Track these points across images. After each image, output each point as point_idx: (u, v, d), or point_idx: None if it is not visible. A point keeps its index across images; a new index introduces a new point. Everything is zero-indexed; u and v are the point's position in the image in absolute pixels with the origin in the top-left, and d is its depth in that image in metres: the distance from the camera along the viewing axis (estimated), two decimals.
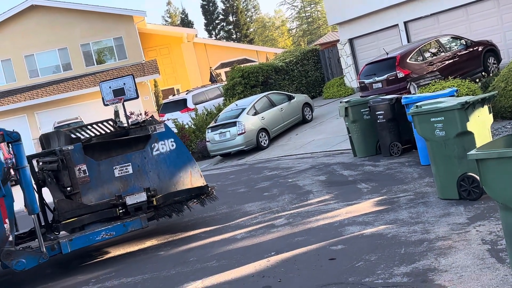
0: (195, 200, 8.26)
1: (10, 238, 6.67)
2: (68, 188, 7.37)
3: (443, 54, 14.91)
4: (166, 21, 61.74)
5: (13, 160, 6.78)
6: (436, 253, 5.23)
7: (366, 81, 14.95)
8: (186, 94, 23.61)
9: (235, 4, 58.19)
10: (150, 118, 8.35)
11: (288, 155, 14.53)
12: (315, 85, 24.42)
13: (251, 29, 64.47)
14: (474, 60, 15.24)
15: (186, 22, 59.80)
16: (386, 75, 14.30)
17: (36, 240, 7.04)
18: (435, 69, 14.16)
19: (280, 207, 8.45)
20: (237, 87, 21.26)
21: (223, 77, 30.81)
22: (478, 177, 6.66)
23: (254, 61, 28.83)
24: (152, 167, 7.90)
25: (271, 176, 11.56)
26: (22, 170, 6.70)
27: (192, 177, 8.15)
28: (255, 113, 16.76)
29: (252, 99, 17.63)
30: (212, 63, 33.11)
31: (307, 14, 67.46)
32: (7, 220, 6.60)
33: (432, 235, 5.77)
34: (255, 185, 10.89)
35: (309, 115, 19.05)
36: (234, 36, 58.10)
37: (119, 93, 16.57)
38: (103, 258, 7.79)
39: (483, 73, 15.22)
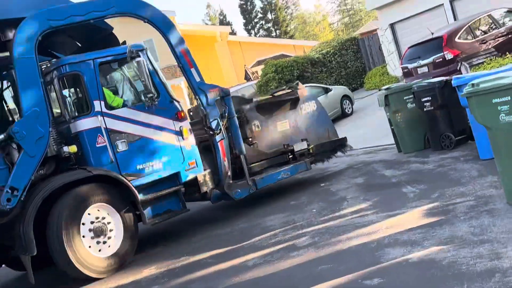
0: (340, 150, 9.69)
1: (229, 173, 7.97)
2: (250, 139, 8.57)
3: (496, 30, 12.92)
4: (206, 24, 60.81)
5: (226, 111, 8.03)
6: None
7: (410, 65, 13.14)
8: None
9: (273, 1, 56.60)
10: (295, 84, 9.68)
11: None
12: (355, 76, 22.57)
13: (292, 26, 62.78)
14: None
15: (225, 23, 58.66)
16: (433, 58, 12.47)
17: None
18: (489, 47, 12.20)
19: (306, 221, 6.81)
20: (270, 83, 19.71)
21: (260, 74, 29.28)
22: None
23: (292, 56, 27.17)
24: (302, 123, 9.29)
25: (302, 180, 9.93)
26: (232, 119, 8.09)
27: (329, 133, 9.62)
28: None
29: None
30: (248, 61, 31.55)
31: (348, 7, 65.15)
32: (226, 159, 7.92)
33: (506, 262, 4.03)
34: (282, 191, 9.29)
35: (349, 108, 17.30)
36: (274, 34, 56.56)
37: None
38: None
39: None
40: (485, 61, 10.53)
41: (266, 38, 44.91)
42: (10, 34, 6.93)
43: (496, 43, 12.49)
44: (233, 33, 47.30)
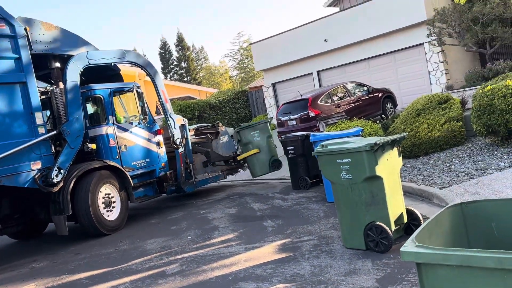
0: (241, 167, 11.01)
1: (183, 174, 9.16)
2: (210, 150, 10.12)
3: (348, 98, 13.23)
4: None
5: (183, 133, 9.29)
6: None
7: (283, 118, 13.01)
8: None
9: (187, 53, 55.80)
10: (217, 123, 10.87)
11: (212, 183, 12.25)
12: (243, 120, 22.39)
13: (201, 75, 62.24)
14: (375, 104, 13.66)
15: None
16: (300, 114, 12.42)
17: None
18: (341, 110, 12.42)
19: (181, 247, 6.15)
20: None
21: None
22: (387, 227, 4.69)
23: (197, 98, 26.54)
24: (220, 148, 10.42)
25: (187, 205, 9.26)
26: (187, 139, 9.35)
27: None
28: None
29: None
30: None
31: (244, 65, 65.97)
32: (182, 164, 9.14)
33: None
34: (168, 215, 8.55)
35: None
36: (186, 79, 55.61)
37: None
38: None
39: (382, 115, 13.65)
40: (337, 122, 10.61)
41: (177, 82, 43.76)
42: (55, 64, 8.14)
43: (347, 108, 12.75)
44: None
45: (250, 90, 24.32)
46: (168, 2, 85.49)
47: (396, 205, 4.86)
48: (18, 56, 7.04)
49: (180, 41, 54.89)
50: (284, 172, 10.90)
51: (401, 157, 5.04)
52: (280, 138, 9.40)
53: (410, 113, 9.69)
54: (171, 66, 55.72)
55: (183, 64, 55.78)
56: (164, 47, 55.48)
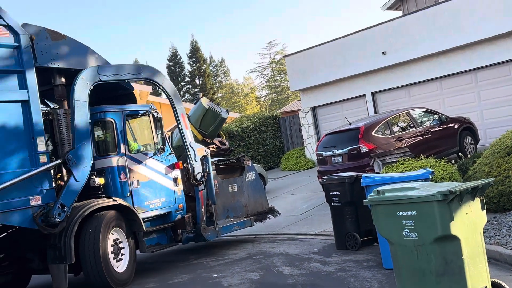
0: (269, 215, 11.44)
1: (204, 218, 9.55)
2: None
3: (413, 129, 13.14)
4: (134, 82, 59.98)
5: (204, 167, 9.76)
6: None
7: (325, 153, 12.96)
8: None
9: (203, 67, 56.98)
10: (242, 156, 11.47)
11: (229, 235, 12.19)
12: (273, 154, 22.49)
13: (220, 94, 63.22)
14: (449, 138, 13.50)
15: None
16: (348, 149, 12.34)
17: None
18: (404, 145, 12.28)
19: None
20: (183, 152, 19.07)
21: None
22: None
23: None
24: (245, 188, 11.07)
25: (195, 266, 9.20)
26: (209, 175, 9.80)
27: (262, 200, 11.51)
28: None
29: None
30: (167, 124, 30.98)
31: (276, 84, 66.79)
32: (203, 206, 9.55)
33: None
34: (169, 278, 8.50)
35: None
36: None
37: None
38: None
39: (459, 153, 13.45)
40: (398, 161, 10.48)
41: (189, 103, 44.67)
42: (59, 80, 8.63)
43: (412, 142, 12.61)
44: (156, 93, 46.82)
45: (282, 115, 24.49)
46: (180, 6, 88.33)
47: (478, 276, 4.72)
48: (21, 69, 7.51)
49: (195, 52, 56.19)
50: (325, 225, 10.77)
51: (485, 211, 4.94)
52: (321, 180, 9.32)
53: (497, 151, 9.51)
54: (182, 83, 56.87)
55: (197, 81, 56.87)
56: (174, 58, 56.88)
